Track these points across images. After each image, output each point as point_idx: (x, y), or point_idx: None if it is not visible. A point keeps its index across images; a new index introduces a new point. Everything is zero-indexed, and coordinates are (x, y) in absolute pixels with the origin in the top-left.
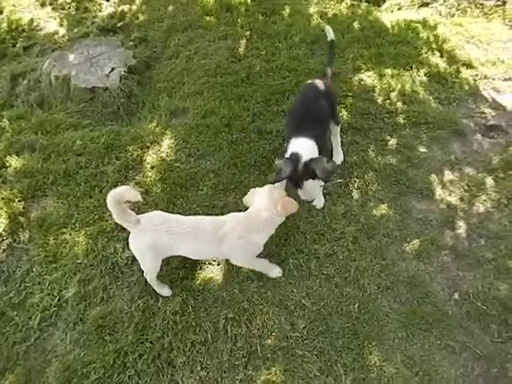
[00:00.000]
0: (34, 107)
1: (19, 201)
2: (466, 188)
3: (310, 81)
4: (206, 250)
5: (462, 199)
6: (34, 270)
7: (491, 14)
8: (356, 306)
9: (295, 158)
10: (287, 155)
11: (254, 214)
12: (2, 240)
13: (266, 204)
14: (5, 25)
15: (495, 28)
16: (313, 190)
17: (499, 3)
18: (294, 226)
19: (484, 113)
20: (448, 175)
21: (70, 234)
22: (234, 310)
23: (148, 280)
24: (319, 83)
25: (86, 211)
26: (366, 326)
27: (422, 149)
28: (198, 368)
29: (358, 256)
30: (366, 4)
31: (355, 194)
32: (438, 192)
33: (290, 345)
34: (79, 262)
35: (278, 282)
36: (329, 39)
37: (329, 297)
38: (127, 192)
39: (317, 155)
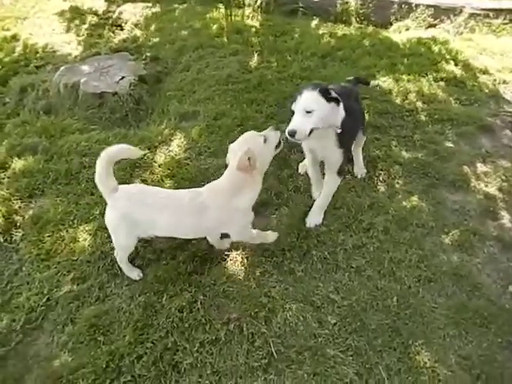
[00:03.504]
0: (40, 114)
1: (16, 200)
2: (504, 178)
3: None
4: (186, 225)
5: (500, 189)
6: (24, 269)
7: (500, 32)
8: (394, 299)
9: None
10: None
11: (224, 177)
12: None
13: (232, 162)
14: (19, 48)
15: (506, 42)
16: (307, 103)
17: (506, 21)
18: None
19: (510, 112)
20: (481, 167)
21: (67, 231)
22: (251, 305)
23: (118, 260)
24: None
25: (87, 207)
26: (408, 322)
27: (449, 144)
28: (208, 371)
29: (391, 247)
30: (373, 27)
31: (381, 187)
32: (473, 183)
33: (318, 344)
34: (74, 259)
35: (300, 276)
36: None
37: (361, 291)
38: (127, 150)
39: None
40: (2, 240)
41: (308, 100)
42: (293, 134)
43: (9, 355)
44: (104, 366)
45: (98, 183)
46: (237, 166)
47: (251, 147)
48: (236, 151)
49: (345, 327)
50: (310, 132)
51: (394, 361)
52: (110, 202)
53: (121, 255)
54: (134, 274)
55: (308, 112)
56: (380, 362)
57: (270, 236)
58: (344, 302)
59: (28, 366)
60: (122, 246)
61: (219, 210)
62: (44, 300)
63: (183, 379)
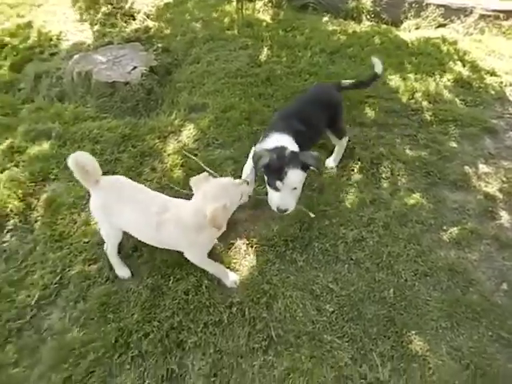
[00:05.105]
0: (54, 101)
1: (31, 183)
2: (505, 179)
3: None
4: (144, 232)
5: (500, 190)
6: (38, 248)
7: (510, 33)
8: (391, 291)
9: (279, 148)
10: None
11: (191, 211)
12: (8, 220)
13: (199, 203)
14: (34, 35)
15: None
16: (295, 182)
17: None
18: (318, 211)
19: None
20: (483, 168)
21: (79, 215)
22: (253, 291)
23: (108, 254)
24: (328, 89)
25: None
26: (403, 313)
27: (453, 144)
28: (211, 350)
29: (390, 242)
30: (385, 25)
31: (383, 184)
32: (474, 183)
33: (316, 330)
34: (86, 241)
35: (301, 266)
36: (377, 72)
37: (359, 282)
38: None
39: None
40: (17, 221)
41: (295, 179)
42: (286, 211)
43: (24, 327)
44: (113, 341)
45: (79, 180)
46: (211, 222)
47: (228, 203)
48: (210, 196)
49: (342, 315)
50: None
51: (388, 348)
52: (92, 193)
53: (110, 248)
54: (123, 272)
55: (294, 188)
56: (374, 348)
57: (230, 276)
58: (342, 292)
59: (42, 338)
60: (106, 236)
61: (179, 236)
62: (57, 278)
63: (187, 356)
